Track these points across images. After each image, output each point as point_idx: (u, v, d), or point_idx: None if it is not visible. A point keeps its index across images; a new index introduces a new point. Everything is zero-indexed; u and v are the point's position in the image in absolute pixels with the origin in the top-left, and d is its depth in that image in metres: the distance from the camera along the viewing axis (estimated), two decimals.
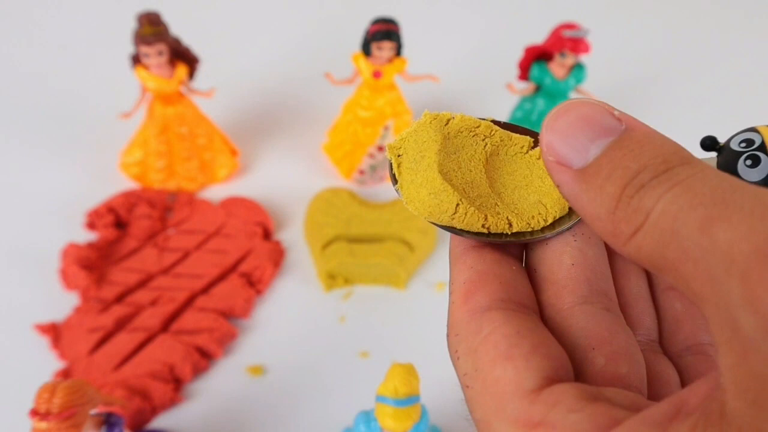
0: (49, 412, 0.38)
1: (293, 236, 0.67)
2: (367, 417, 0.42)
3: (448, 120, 0.23)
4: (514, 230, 0.22)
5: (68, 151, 0.74)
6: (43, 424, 0.38)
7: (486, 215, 0.22)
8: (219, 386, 0.57)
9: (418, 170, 0.22)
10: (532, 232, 0.22)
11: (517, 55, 0.65)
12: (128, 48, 0.61)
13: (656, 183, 0.16)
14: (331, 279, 0.62)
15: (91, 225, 0.65)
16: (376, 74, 0.63)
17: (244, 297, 0.61)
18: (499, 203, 0.22)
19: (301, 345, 0.59)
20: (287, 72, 0.85)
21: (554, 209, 0.22)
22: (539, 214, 0.22)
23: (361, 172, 0.71)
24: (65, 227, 0.65)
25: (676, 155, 0.16)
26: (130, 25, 0.59)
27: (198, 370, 0.57)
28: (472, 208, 0.21)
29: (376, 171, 0.71)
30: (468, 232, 0.22)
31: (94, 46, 0.87)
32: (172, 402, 0.55)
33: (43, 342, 0.58)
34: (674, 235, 0.15)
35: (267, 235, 0.67)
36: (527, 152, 0.24)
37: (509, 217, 0.22)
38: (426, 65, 0.68)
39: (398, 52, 0.63)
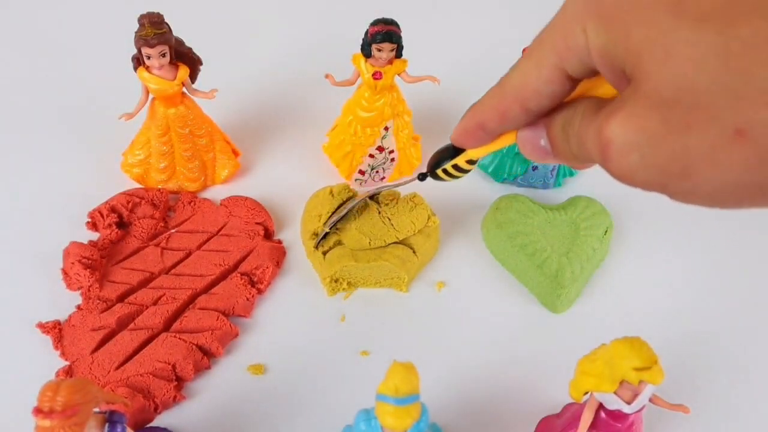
0: (52, 410, 0.38)
1: (294, 236, 0.67)
2: (368, 415, 0.43)
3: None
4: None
5: (70, 151, 0.74)
6: (47, 422, 0.38)
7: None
8: (220, 385, 0.57)
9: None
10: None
11: (516, 56, 0.65)
12: (131, 49, 0.61)
13: None
14: (335, 283, 0.63)
15: (93, 225, 0.66)
16: (377, 75, 0.64)
17: (245, 296, 0.61)
18: None
19: (302, 344, 0.60)
20: (288, 73, 0.85)
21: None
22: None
23: (362, 173, 0.72)
24: (68, 227, 0.66)
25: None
26: (133, 26, 0.60)
27: (199, 369, 0.57)
28: None
29: (376, 171, 0.72)
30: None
31: (96, 48, 0.87)
32: (174, 400, 0.55)
33: (46, 341, 0.58)
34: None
35: (268, 235, 0.67)
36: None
37: None
38: (426, 66, 0.68)
39: (399, 53, 0.63)
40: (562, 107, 0.28)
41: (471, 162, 0.38)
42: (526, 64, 0.27)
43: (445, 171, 0.39)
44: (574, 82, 0.27)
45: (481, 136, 0.32)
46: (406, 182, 0.53)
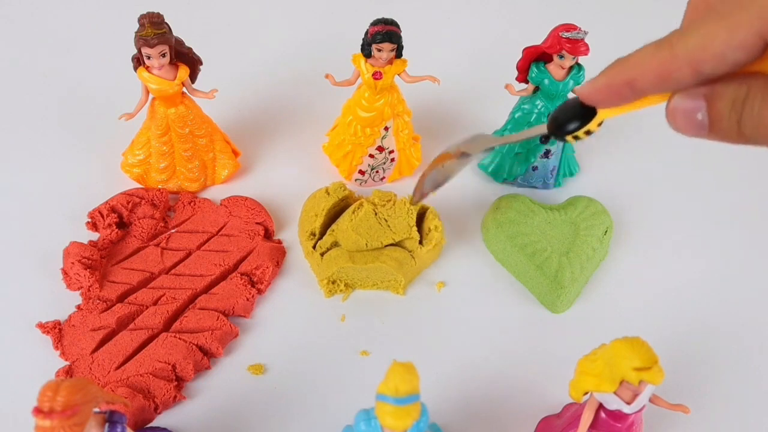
0: (52, 410, 0.38)
1: (294, 236, 0.67)
2: (368, 415, 0.43)
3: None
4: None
5: (70, 151, 0.74)
6: (47, 422, 0.38)
7: None
8: (220, 385, 0.57)
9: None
10: None
11: (517, 56, 0.65)
12: (131, 49, 0.61)
13: None
14: (333, 284, 0.63)
15: (93, 225, 0.66)
16: (377, 75, 0.64)
17: (245, 296, 0.61)
18: None
19: (302, 344, 0.60)
20: (288, 73, 0.85)
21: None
22: None
23: (362, 173, 0.72)
24: (68, 227, 0.66)
25: None
26: (133, 26, 0.60)
27: (200, 369, 0.57)
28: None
29: (376, 171, 0.72)
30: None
31: (96, 48, 0.87)
32: (174, 400, 0.55)
33: (46, 341, 0.58)
34: None
35: (268, 235, 0.67)
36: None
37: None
38: (426, 66, 0.68)
39: (399, 53, 0.63)
40: (729, 80, 0.26)
41: (599, 124, 0.33)
42: (713, 25, 0.25)
43: (574, 135, 0.34)
44: (764, 52, 0.25)
45: (626, 95, 0.28)
46: (523, 138, 0.41)
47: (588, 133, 0.34)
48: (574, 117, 0.33)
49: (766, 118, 0.25)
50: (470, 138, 0.42)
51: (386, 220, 0.64)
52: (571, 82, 0.65)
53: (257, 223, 0.67)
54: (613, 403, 0.45)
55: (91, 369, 0.56)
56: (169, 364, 0.56)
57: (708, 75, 0.26)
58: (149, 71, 0.62)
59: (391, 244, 0.63)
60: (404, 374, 0.40)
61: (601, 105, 0.31)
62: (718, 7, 0.26)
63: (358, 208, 0.64)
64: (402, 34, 0.62)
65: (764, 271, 0.67)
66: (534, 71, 0.65)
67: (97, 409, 0.42)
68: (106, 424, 0.42)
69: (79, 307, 0.60)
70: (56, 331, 0.58)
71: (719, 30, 0.25)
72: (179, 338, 0.58)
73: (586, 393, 0.46)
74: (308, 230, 0.64)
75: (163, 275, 0.63)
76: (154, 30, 0.59)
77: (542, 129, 0.36)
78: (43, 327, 0.58)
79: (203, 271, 0.63)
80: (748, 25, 0.24)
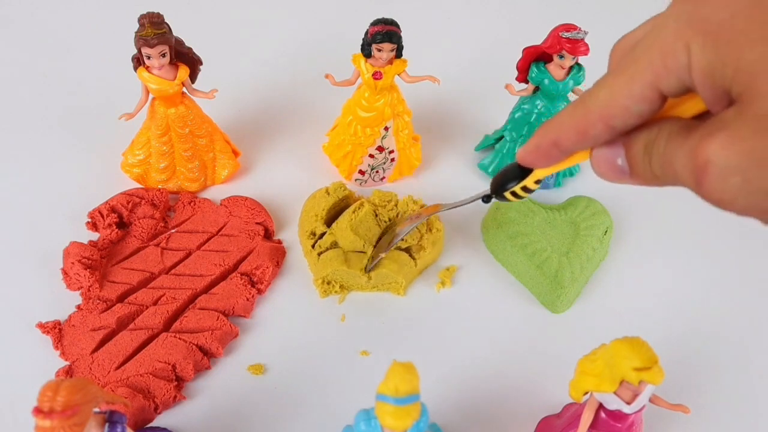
0: (52, 410, 0.38)
1: (294, 236, 0.68)
2: (368, 415, 0.43)
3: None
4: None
5: (71, 151, 0.74)
6: (47, 422, 0.38)
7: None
8: (220, 385, 0.57)
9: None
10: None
11: (517, 56, 0.65)
12: (131, 49, 0.61)
13: None
14: (327, 285, 0.63)
15: (93, 225, 0.66)
16: (377, 75, 0.64)
17: (245, 296, 0.61)
18: None
19: (302, 344, 0.60)
20: (288, 73, 0.85)
21: None
22: None
23: (362, 173, 0.72)
24: (68, 227, 0.66)
25: None
26: (133, 26, 0.60)
27: (200, 369, 0.57)
28: None
29: (376, 171, 0.72)
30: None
31: (97, 48, 0.87)
32: (174, 400, 0.55)
33: (46, 341, 0.58)
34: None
35: (268, 235, 0.67)
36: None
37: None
38: (426, 66, 0.68)
39: (399, 53, 0.63)
40: (642, 127, 0.27)
41: (537, 181, 0.37)
42: (615, 80, 0.26)
43: (512, 192, 0.38)
44: (664, 101, 0.26)
45: (554, 155, 0.30)
46: (468, 202, 0.50)
47: (526, 189, 0.38)
48: (513, 178, 0.37)
49: (671, 156, 0.25)
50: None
51: (386, 223, 0.64)
52: (571, 82, 0.65)
53: (257, 223, 0.67)
54: (613, 403, 0.45)
55: (91, 369, 0.56)
56: (169, 364, 0.56)
57: (620, 128, 0.27)
58: (149, 71, 0.62)
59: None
60: (404, 374, 0.40)
61: (535, 166, 0.33)
62: (623, 61, 0.27)
63: (359, 208, 0.64)
64: (402, 34, 0.62)
65: (765, 270, 0.67)
66: (534, 71, 0.65)
67: (97, 409, 0.42)
68: (106, 424, 0.42)
69: (79, 307, 0.60)
70: (56, 331, 0.58)
71: (621, 84, 0.26)
72: (179, 338, 0.58)
73: (586, 393, 0.46)
74: (308, 230, 0.64)
75: (163, 275, 0.63)
76: (154, 30, 0.59)
77: (485, 192, 0.42)
78: (43, 327, 0.58)
79: (203, 271, 0.63)
80: (641, 78, 0.25)
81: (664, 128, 0.26)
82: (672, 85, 0.25)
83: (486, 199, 0.43)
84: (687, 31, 0.24)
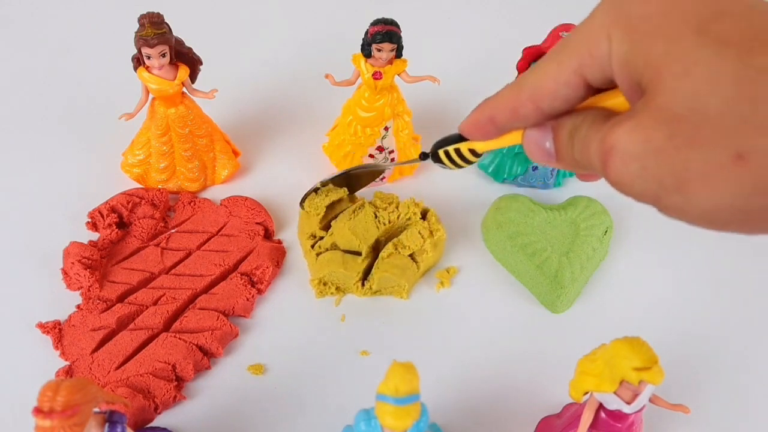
0: (52, 410, 0.38)
1: (294, 236, 0.68)
2: (368, 415, 0.43)
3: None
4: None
5: (70, 151, 0.74)
6: (47, 422, 0.38)
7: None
8: (220, 385, 0.57)
9: None
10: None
11: (517, 56, 0.65)
12: (131, 49, 0.61)
13: None
14: (324, 286, 0.62)
15: (93, 225, 0.66)
16: (377, 75, 0.64)
17: (245, 296, 0.61)
18: None
19: (302, 344, 0.60)
20: (288, 73, 0.85)
21: None
22: None
23: None
24: (68, 227, 0.66)
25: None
26: (133, 26, 0.60)
27: (199, 369, 0.57)
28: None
29: None
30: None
31: (97, 48, 0.87)
32: (174, 400, 0.55)
33: (46, 341, 0.58)
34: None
35: (268, 235, 0.67)
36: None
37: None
38: (426, 66, 0.68)
39: (399, 53, 0.63)
40: (572, 113, 0.29)
41: (475, 154, 0.39)
42: (547, 64, 0.28)
43: (447, 155, 0.40)
44: (590, 90, 0.28)
45: (489, 130, 0.32)
46: (408, 163, 0.57)
47: (462, 156, 0.39)
48: (452, 142, 0.39)
49: (588, 142, 0.27)
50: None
51: (385, 224, 0.63)
52: None
53: (257, 223, 0.67)
54: (613, 403, 0.45)
55: (91, 369, 0.56)
56: (169, 364, 0.56)
57: (547, 111, 0.29)
58: (149, 71, 0.62)
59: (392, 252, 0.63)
60: (404, 374, 0.40)
61: (472, 138, 0.35)
62: (556, 47, 0.28)
63: (359, 209, 0.64)
64: (402, 34, 0.62)
65: (765, 270, 0.67)
66: None
67: (97, 409, 0.42)
68: (106, 424, 0.42)
69: (79, 307, 0.60)
70: (56, 331, 0.58)
71: (550, 68, 0.28)
72: (179, 338, 0.58)
73: (586, 393, 0.46)
74: (308, 231, 0.64)
75: (163, 275, 0.63)
76: (154, 30, 0.59)
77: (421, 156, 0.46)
78: (43, 327, 0.58)
79: (203, 271, 0.63)
80: (568, 63, 0.27)
81: (588, 116, 0.28)
82: (595, 74, 0.26)
83: (423, 156, 0.45)
84: (611, 23, 0.25)
